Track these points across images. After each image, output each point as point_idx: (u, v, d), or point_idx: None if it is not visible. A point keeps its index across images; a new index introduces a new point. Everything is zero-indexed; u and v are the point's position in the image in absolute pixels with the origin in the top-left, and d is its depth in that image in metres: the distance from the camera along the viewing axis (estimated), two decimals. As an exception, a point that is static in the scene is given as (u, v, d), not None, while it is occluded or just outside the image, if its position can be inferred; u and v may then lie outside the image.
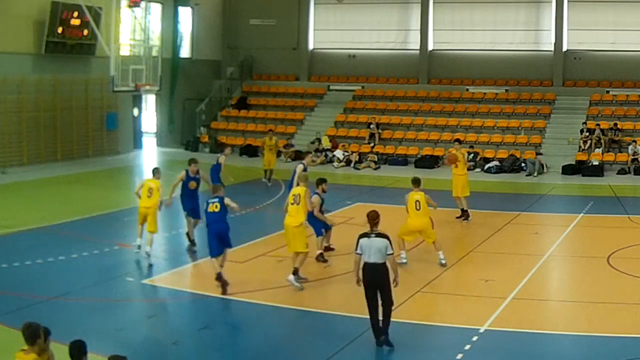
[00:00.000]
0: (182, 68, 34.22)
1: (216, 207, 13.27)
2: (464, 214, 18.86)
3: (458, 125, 31.42)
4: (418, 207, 14.30)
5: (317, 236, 14.74)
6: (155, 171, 15.46)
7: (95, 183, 24.76)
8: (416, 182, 14.74)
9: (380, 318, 10.32)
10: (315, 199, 14.30)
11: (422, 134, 31.45)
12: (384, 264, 10.13)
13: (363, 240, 10.18)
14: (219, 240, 13.09)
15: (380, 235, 10.19)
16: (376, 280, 10.14)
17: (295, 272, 12.98)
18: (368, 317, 10.38)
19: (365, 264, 10.15)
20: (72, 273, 13.86)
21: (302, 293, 12.90)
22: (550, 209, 21.54)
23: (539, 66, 32.72)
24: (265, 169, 24.73)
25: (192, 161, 15.91)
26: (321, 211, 14.77)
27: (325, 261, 14.73)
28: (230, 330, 11.32)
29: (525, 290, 12.89)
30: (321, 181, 14.98)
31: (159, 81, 27.70)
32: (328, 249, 15.48)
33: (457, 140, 20.45)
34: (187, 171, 15.71)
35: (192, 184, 15.64)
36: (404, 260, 14.42)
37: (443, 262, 14.37)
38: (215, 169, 19.90)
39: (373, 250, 10.08)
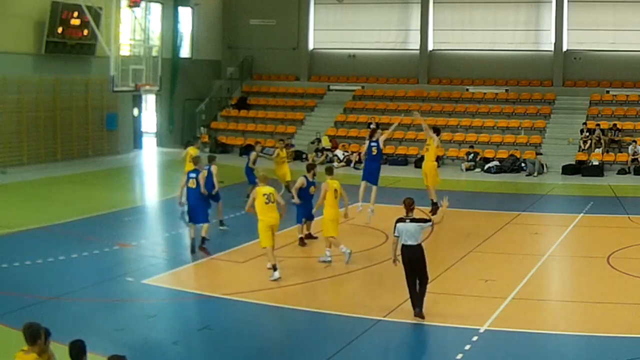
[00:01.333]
0: (182, 68, 34.21)
1: (192, 183, 15.14)
2: (434, 208, 18.20)
3: (458, 125, 31.42)
4: (336, 196, 14.91)
5: (297, 223, 15.87)
6: (195, 140, 19.65)
7: (95, 183, 24.75)
8: (331, 170, 15.61)
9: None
10: (300, 179, 15.70)
11: (422, 134, 31.27)
12: (419, 245, 11.25)
13: (400, 225, 11.29)
14: (191, 213, 15.11)
15: (414, 220, 11.29)
16: (412, 260, 11.20)
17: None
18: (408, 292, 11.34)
19: (403, 245, 11.25)
20: (72, 273, 13.86)
21: (302, 293, 12.92)
22: (550, 209, 21.52)
23: (539, 66, 32.72)
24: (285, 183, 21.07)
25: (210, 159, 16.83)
26: (310, 195, 15.82)
27: (305, 244, 15.85)
28: (230, 330, 11.30)
29: (525, 290, 12.90)
30: (311, 167, 16.11)
31: (159, 81, 27.65)
32: (310, 236, 16.16)
33: (435, 128, 19.75)
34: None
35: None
36: (329, 259, 14.54)
37: (328, 259, 14.58)
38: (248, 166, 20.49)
39: (408, 234, 11.18)
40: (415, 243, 11.17)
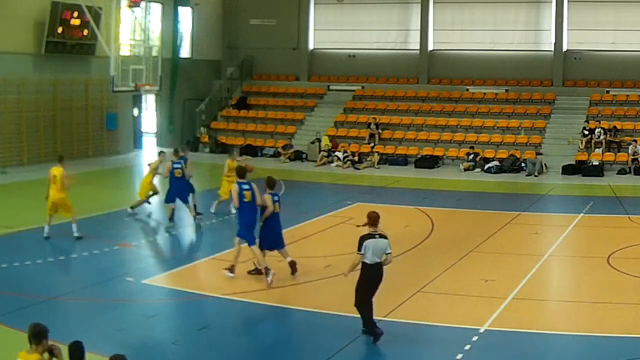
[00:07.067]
0: (182, 68, 34.19)
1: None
2: None
3: (458, 125, 31.42)
4: (54, 182, 15.98)
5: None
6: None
7: (96, 183, 24.72)
8: (61, 159, 16.47)
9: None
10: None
11: (422, 134, 31.44)
12: (381, 262, 10.37)
13: (369, 242, 10.24)
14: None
15: (382, 236, 10.35)
16: (377, 279, 10.41)
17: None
18: (359, 315, 10.52)
19: (366, 264, 10.28)
20: (72, 273, 13.87)
21: (302, 293, 12.91)
22: (550, 209, 21.53)
23: (539, 66, 32.71)
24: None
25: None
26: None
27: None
28: (230, 330, 11.30)
29: (525, 290, 12.89)
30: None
31: (159, 81, 27.63)
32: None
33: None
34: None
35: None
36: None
37: (76, 235, 15.93)
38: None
39: (377, 251, 10.27)
40: (379, 260, 10.29)
